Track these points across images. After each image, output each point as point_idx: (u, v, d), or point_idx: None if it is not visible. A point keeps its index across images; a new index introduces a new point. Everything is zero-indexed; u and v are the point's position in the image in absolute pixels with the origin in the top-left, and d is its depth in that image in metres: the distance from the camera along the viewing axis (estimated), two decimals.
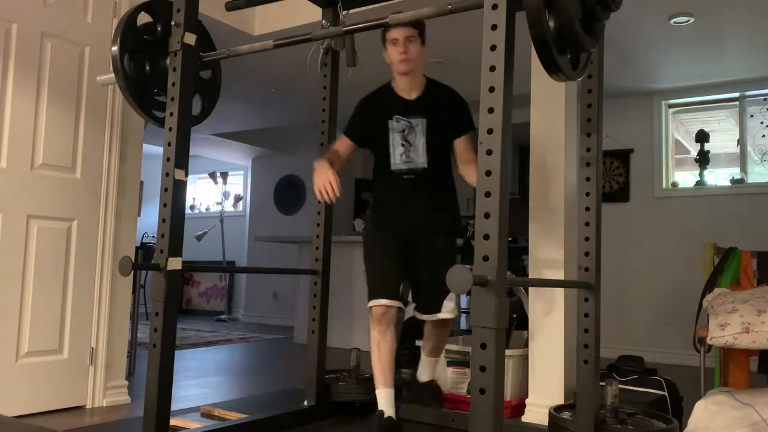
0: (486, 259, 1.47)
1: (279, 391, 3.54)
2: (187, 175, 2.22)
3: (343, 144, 2.70)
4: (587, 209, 2.19)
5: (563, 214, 2.86)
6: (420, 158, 2.60)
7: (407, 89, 2.62)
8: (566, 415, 2.27)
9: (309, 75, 2.84)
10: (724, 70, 4.80)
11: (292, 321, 6.41)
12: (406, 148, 2.61)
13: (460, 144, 2.63)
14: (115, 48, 2.26)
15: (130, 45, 2.29)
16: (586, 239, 2.17)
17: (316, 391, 2.71)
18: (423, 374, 2.92)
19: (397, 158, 2.63)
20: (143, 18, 2.35)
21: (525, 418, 2.85)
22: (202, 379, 3.87)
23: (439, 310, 2.67)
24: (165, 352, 2.11)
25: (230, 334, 6.49)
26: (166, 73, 2.25)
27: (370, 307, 2.54)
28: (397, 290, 2.61)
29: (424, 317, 2.71)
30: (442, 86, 2.68)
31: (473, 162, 2.44)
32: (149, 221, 5.35)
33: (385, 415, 2.45)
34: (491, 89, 1.52)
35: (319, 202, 2.73)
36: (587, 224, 2.18)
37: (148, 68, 2.35)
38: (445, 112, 2.61)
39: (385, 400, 2.50)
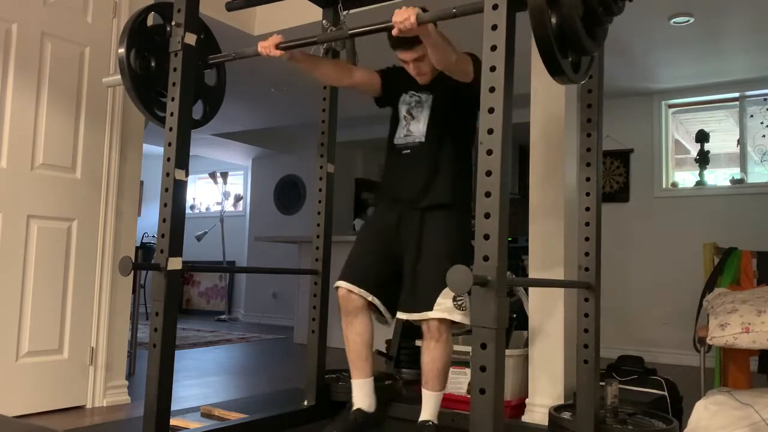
0: (486, 259, 1.47)
1: (279, 391, 3.54)
2: (187, 175, 2.22)
3: (367, 72, 2.54)
4: (587, 209, 2.19)
5: (563, 214, 2.86)
6: (419, 131, 2.41)
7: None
8: (566, 415, 2.27)
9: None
10: (724, 70, 4.80)
11: (292, 321, 6.41)
12: (408, 122, 2.46)
13: None
14: (121, 50, 2.26)
15: (137, 47, 2.30)
16: (586, 239, 2.17)
17: (316, 391, 2.71)
18: (422, 411, 2.34)
19: (400, 132, 2.48)
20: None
21: (525, 418, 2.85)
22: (202, 379, 3.87)
23: (426, 307, 2.21)
24: (165, 352, 2.11)
25: (230, 334, 6.49)
26: None
27: (336, 288, 2.37)
28: (370, 279, 2.34)
29: (404, 316, 2.29)
30: None
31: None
32: (149, 221, 5.35)
33: (355, 407, 2.34)
34: (491, 89, 1.53)
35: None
36: (587, 224, 2.18)
37: (154, 70, 2.36)
38: (452, 88, 2.35)
39: (357, 391, 2.35)
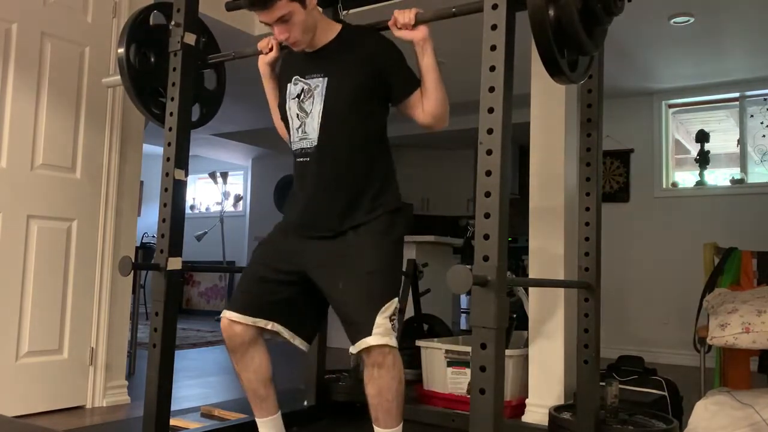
0: (486, 259, 1.47)
1: (279, 391, 3.53)
2: (187, 175, 2.22)
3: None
4: (587, 209, 2.18)
5: (563, 214, 2.86)
6: (313, 133, 1.91)
7: (312, 43, 1.95)
8: (566, 415, 2.27)
9: None
10: (724, 70, 4.80)
11: None
12: (302, 120, 1.94)
13: (410, 102, 1.92)
14: (121, 50, 2.26)
15: (136, 47, 2.31)
16: (586, 239, 2.17)
17: (316, 391, 2.71)
18: None
19: (294, 135, 1.97)
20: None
21: (525, 418, 2.84)
22: (202, 379, 3.86)
23: (365, 332, 1.74)
24: (165, 352, 2.11)
25: None
26: None
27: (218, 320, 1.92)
28: (264, 303, 1.91)
29: (351, 350, 1.81)
30: (362, 32, 1.98)
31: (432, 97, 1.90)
32: (149, 221, 5.34)
33: None
34: (491, 89, 1.52)
35: None
36: (587, 224, 2.18)
37: (153, 70, 2.36)
38: (363, 66, 1.89)
39: (264, 431, 2.03)
